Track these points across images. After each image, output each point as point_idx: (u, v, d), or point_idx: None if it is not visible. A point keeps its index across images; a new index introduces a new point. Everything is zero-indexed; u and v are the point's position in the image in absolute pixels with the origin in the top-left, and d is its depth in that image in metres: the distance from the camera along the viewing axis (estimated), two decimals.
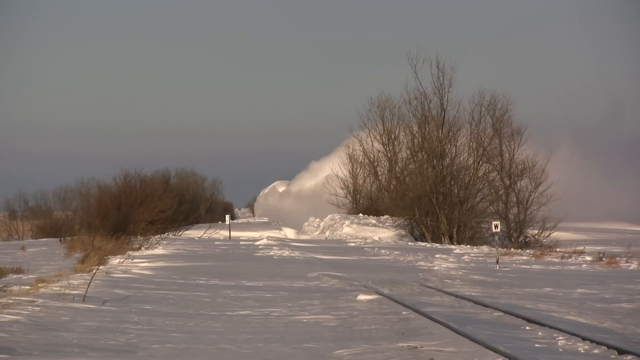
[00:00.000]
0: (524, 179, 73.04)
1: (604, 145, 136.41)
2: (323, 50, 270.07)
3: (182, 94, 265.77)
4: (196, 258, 42.79)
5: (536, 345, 17.12)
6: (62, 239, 58.65)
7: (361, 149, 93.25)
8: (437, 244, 65.05)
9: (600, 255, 45.89)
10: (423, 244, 65.92)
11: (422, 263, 42.02)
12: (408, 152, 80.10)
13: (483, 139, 74.64)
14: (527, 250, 54.50)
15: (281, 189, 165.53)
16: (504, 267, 40.23)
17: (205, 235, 71.21)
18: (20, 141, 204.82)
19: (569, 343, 17.39)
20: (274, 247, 51.90)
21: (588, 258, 45.15)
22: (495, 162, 74.37)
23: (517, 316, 21.20)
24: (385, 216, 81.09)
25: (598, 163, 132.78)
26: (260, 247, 53.49)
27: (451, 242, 69.26)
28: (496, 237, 47.27)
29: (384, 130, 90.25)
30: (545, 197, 71.35)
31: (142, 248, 48.01)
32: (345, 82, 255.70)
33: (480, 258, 46.46)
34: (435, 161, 73.52)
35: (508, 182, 73.23)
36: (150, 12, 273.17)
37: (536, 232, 71.11)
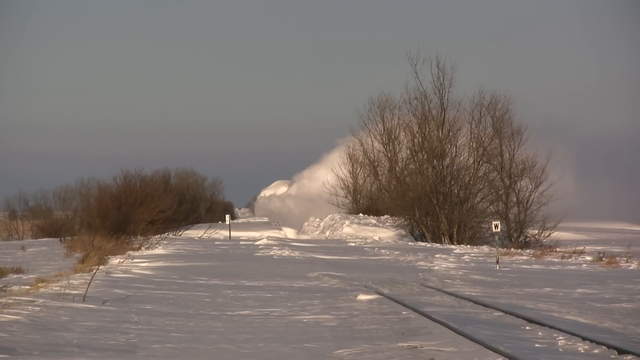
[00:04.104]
0: (524, 179, 73.06)
1: (604, 145, 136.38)
2: (323, 50, 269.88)
3: (182, 94, 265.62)
4: (196, 258, 42.79)
5: (536, 345, 17.12)
6: (62, 238, 58.65)
7: (361, 149, 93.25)
8: (437, 244, 65.05)
9: (600, 255, 45.87)
10: (423, 244, 65.91)
11: (422, 263, 42.01)
12: (408, 152, 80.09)
13: (483, 139, 74.65)
14: (527, 250, 54.48)
15: (281, 188, 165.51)
16: (504, 267, 40.23)
17: (205, 235, 71.20)
18: (20, 141, 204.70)
19: (569, 343, 17.39)
20: (274, 247, 51.89)
21: (588, 258, 45.13)
22: (495, 162, 74.37)
23: (517, 316, 21.20)
24: (386, 216, 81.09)
25: (598, 163, 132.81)
26: (261, 247, 53.48)
27: (451, 242, 69.25)
28: (496, 237, 47.25)
29: (384, 130, 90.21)
30: (545, 197, 71.40)
31: (142, 248, 48.02)
32: (345, 82, 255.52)
33: (480, 258, 46.46)
34: (435, 161, 73.51)
35: (508, 182, 73.24)
36: (150, 12, 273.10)
37: (536, 232, 71.12)
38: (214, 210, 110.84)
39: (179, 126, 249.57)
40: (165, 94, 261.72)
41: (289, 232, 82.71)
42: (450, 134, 74.38)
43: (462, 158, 74.14)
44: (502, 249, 52.14)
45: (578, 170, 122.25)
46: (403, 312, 21.84)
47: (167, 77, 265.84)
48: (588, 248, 53.92)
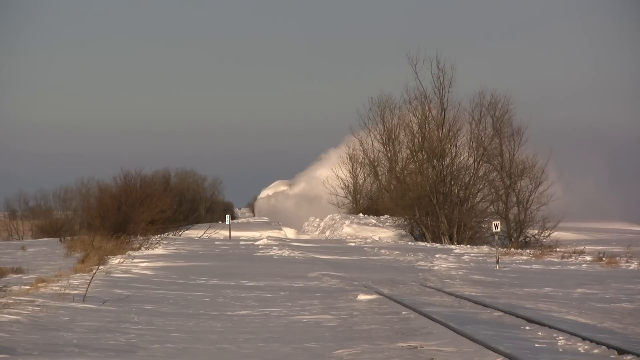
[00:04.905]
0: (524, 178, 73.10)
1: (603, 145, 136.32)
2: (323, 50, 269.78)
3: (182, 94, 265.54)
4: (196, 258, 42.79)
5: (536, 345, 17.12)
6: (62, 238, 58.63)
7: (361, 149, 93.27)
8: (437, 244, 65.05)
9: (600, 255, 45.87)
10: (423, 243, 65.91)
11: (422, 263, 42.02)
12: (408, 152, 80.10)
13: (483, 139, 74.68)
14: (527, 250, 54.46)
15: (281, 188, 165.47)
16: (504, 267, 40.23)
17: (205, 235, 71.21)
18: (20, 141, 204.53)
19: (569, 343, 17.39)
20: (274, 247, 51.89)
21: (588, 258, 45.14)
22: (495, 162, 74.40)
23: (517, 316, 21.19)
24: (385, 216, 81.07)
25: (598, 163, 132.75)
26: (260, 247, 53.48)
27: (451, 242, 69.24)
28: (496, 237, 47.24)
29: (384, 130, 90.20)
30: (545, 197, 71.44)
31: (142, 248, 48.02)
32: (345, 82, 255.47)
33: (480, 258, 46.45)
34: (435, 161, 73.52)
35: (508, 182, 73.26)
36: (150, 12, 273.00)
37: (536, 232, 71.13)
38: (214, 210, 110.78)
39: (179, 126, 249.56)
40: (165, 94, 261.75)
41: (289, 232, 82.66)
42: (450, 134, 74.41)
43: (462, 158, 74.16)
44: (502, 249, 52.12)
45: (577, 170, 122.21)
46: (403, 312, 21.84)
47: (167, 77, 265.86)
48: (588, 248, 53.91)
